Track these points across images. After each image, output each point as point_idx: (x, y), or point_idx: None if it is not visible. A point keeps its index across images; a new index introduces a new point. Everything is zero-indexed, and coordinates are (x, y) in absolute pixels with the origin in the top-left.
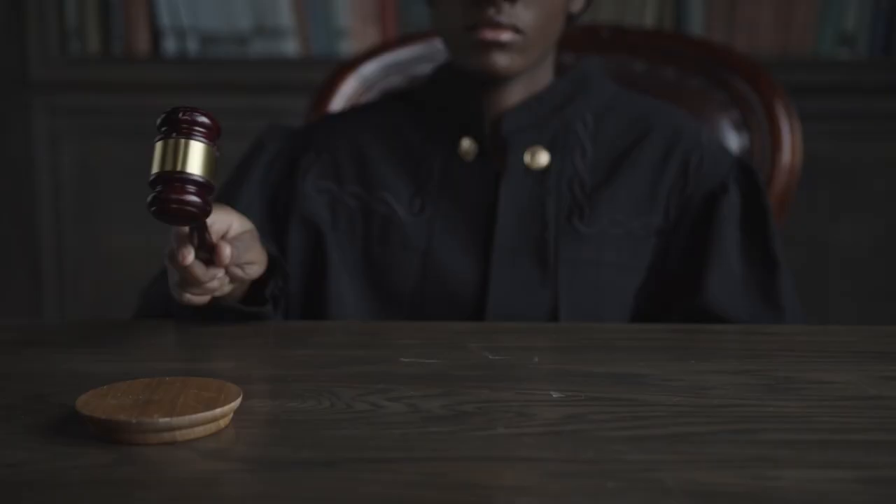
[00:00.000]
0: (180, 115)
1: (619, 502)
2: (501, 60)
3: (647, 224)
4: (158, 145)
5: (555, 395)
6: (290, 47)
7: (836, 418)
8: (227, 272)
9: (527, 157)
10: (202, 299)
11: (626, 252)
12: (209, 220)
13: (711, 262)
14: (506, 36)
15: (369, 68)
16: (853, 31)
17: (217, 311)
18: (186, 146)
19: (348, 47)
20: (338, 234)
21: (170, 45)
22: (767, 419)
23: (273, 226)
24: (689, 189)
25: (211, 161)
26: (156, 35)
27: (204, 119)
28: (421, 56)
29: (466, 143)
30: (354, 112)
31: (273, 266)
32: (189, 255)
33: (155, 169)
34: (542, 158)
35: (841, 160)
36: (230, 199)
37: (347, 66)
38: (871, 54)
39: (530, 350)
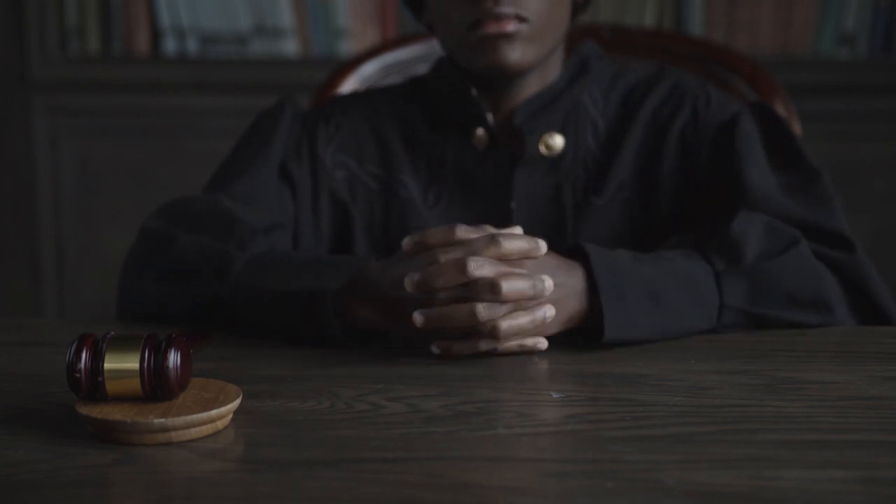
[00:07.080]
0: None
1: (619, 502)
2: (512, 54)
3: (657, 173)
4: None
5: (555, 395)
6: (290, 47)
7: (836, 418)
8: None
9: (542, 147)
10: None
11: (637, 206)
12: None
13: (746, 169)
14: (511, 26)
15: (369, 68)
16: (853, 30)
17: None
18: None
19: (348, 47)
20: (356, 212)
21: (170, 45)
22: (767, 419)
23: (288, 186)
24: (701, 125)
25: None
26: (156, 35)
27: None
28: (421, 56)
29: (480, 133)
30: (368, 94)
31: None
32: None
33: None
34: (557, 143)
35: (841, 160)
36: (251, 159)
37: (347, 66)
38: (871, 54)
39: None
